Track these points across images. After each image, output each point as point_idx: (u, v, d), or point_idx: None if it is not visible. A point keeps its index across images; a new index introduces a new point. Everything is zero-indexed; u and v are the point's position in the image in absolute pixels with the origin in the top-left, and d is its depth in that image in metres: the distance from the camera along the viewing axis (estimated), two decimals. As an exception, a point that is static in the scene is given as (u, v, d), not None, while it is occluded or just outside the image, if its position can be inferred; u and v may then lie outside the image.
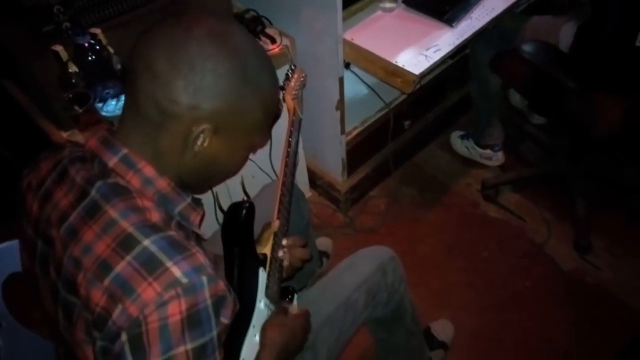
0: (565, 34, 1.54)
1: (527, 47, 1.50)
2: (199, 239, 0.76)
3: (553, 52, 1.53)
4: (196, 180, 0.74)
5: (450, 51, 1.39)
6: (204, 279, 0.60)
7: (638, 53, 1.34)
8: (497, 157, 1.98)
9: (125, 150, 0.66)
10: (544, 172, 1.96)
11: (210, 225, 1.37)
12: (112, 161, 0.66)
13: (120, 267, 0.59)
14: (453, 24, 1.45)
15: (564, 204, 1.83)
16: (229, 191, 1.54)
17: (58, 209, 0.66)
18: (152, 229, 0.62)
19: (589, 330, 1.55)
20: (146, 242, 0.60)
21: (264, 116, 0.70)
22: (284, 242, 0.96)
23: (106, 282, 0.59)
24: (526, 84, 1.60)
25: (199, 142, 0.65)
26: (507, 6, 1.52)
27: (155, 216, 0.64)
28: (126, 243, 0.60)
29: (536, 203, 1.88)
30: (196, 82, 0.62)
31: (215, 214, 1.50)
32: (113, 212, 0.62)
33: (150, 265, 0.59)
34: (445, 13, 1.48)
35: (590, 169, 1.84)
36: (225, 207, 1.51)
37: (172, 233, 0.63)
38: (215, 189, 1.45)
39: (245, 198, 1.32)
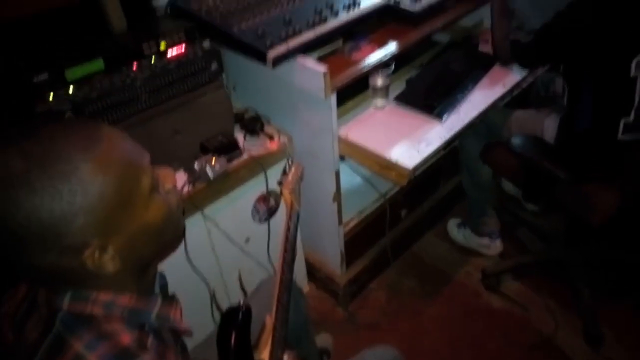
0: (548, 127, 1.61)
1: (516, 140, 1.56)
2: (179, 340, 0.73)
3: (541, 145, 1.59)
4: (152, 254, 0.69)
5: (441, 145, 1.44)
6: None
7: (622, 145, 1.39)
8: (495, 245, 1.97)
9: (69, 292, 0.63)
10: (543, 259, 1.94)
11: (206, 325, 1.32)
12: (64, 304, 0.63)
13: None
14: (442, 119, 1.52)
15: (568, 292, 1.79)
16: (226, 287, 1.51)
17: (27, 343, 0.63)
18: (122, 358, 0.59)
19: None
20: None
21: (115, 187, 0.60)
22: (285, 357, 0.93)
23: None
24: (518, 176, 1.64)
25: (97, 261, 0.60)
26: (492, 101, 1.60)
27: (126, 338, 0.62)
28: None
29: (539, 291, 1.84)
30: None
31: (212, 312, 1.45)
32: (79, 346, 0.59)
33: None
34: (435, 108, 1.56)
35: (590, 256, 1.83)
36: (222, 304, 1.47)
37: (144, 357, 0.61)
38: (212, 285, 1.42)
39: (242, 299, 1.29)
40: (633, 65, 1.31)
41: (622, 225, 1.69)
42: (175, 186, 0.72)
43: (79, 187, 0.56)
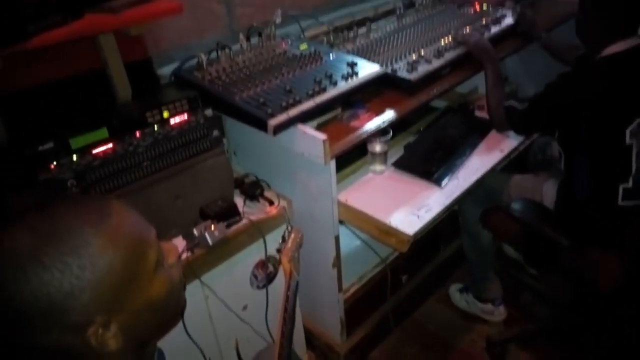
0: (547, 192, 1.62)
1: (516, 205, 1.56)
2: None
3: (541, 210, 1.59)
4: (153, 331, 0.69)
5: (441, 211, 1.44)
6: None
7: (623, 211, 1.39)
8: (499, 312, 1.92)
9: None
10: (549, 327, 1.89)
11: (201, 399, 1.27)
12: None
13: None
14: (441, 185, 1.53)
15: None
16: (223, 357, 1.46)
17: None
18: None
19: None
20: None
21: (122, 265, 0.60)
22: None
23: None
24: (518, 240, 1.63)
25: (99, 339, 0.59)
26: (490, 166, 1.61)
27: None
28: None
29: (546, 361, 1.78)
30: None
31: (207, 384, 1.39)
32: None
33: None
34: (433, 174, 1.57)
35: (597, 322, 1.78)
36: (217, 376, 1.42)
37: None
38: (208, 354, 1.37)
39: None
40: (627, 133, 1.34)
41: (629, 289, 1.66)
42: (178, 260, 0.72)
43: (88, 261, 0.56)
